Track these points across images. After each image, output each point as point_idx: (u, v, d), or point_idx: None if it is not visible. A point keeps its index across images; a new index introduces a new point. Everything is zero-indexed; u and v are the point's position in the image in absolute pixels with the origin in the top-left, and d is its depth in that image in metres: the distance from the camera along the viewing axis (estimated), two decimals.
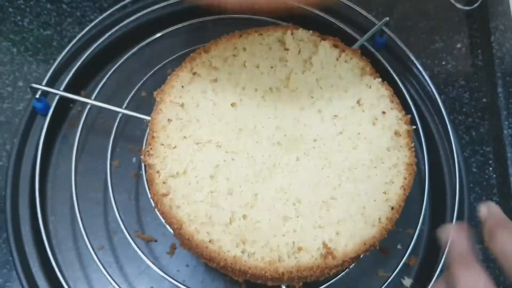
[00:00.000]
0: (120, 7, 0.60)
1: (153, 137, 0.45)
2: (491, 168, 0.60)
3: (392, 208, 0.45)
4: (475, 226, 0.57)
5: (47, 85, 0.55)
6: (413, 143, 0.47)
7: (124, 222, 0.50)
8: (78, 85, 0.59)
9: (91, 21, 0.60)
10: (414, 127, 0.49)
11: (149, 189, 0.44)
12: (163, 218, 0.44)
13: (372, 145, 0.47)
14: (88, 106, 0.53)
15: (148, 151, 0.44)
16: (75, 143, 0.52)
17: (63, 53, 0.57)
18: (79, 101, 0.55)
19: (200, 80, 0.48)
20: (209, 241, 0.42)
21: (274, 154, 0.45)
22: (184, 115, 0.46)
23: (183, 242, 0.44)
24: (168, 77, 0.48)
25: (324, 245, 0.43)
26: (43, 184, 0.55)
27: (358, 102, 0.48)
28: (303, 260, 0.42)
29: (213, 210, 0.43)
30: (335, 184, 0.45)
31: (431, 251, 0.53)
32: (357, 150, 0.46)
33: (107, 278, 0.47)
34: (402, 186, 0.45)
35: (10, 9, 0.65)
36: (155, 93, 0.47)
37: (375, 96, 0.48)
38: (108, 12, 0.59)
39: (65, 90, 0.55)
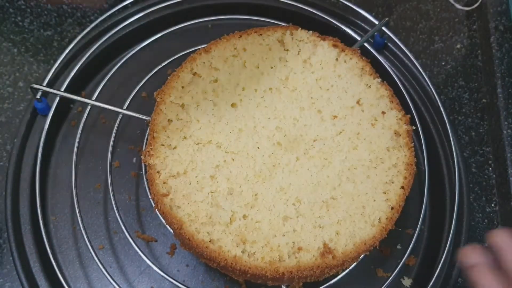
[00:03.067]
0: (120, 8, 0.60)
1: (153, 137, 0.45)
2: (490, 168, 0.60)
3: (392, 208, 0.45)
4: (475, 226, 0.57)
5: (47, 85, 0.55)
6: (413, 143, 0.48)
7: (124, 222, 0.50)
8: (79, 85, 0.59)
9: (92, 21, 0.60)
10: (414, 127, 0.49)
11: (149, 189, 0.44)
12: (164, 218, 0.44)
13: (372, 145, 0.47)
14: (89, 107, 0.53)
15: (148, 151, 0.44)
16: (75, 143, 0.52)
17: (64, 54, 0.57)
18: (79, 101, 0.55)
19: (201, 81, 0.48)
20: (210, 241, 0.42)
21: (274, 154, 0.46)
22: (185, 116, 0.46)
23: (183, 242, 0.44)
24: (169, 77, 0.48)
25: (324, 245, 0.43)
26: (44, 184, 0.55)
27: (357, 102, 0.48)
28: (303, 260, 0.42)
29: (213, 210, 0.43)
30: (335, 184, 0.45)
31: (431, 251, 0.53)
32: (357, 150, 0.46)
33: (107, 278, 0.47)
34: (402, 186, 0.45)
35: (11, 10, 0.65)
36: (155, 93, 0.47)
37: (374, 96, 0.49)
38: (109, 13, 0.59)
39: (65, 90, 0.55)
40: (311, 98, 0.48)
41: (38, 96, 0.54)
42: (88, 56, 0.57)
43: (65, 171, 0.56)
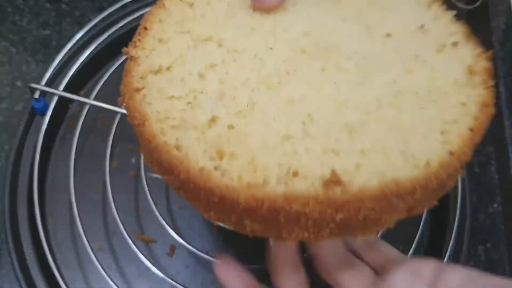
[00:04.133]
0: (119, 6, 0.60)
1: (145, 28, 0.37)
2: (493, 168, 0.59)
3: (452, 154, 0.32)
4: (477, 226, 0.57)
5: (46, 85, 0.55)
6: (492, 82, 0.35)
7: (124, 223, 0.49)
8: (77, 85, 0.59)
9: (91, 20, 0.60)
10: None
11: (122, 79, 0.36)
12: (128, 113, 0.35)
13: (434, 73, 0.36)
14: (87, 106, 0.53)
15: (135, 41, 0.36)
16: (74, 144, 0.52)
17: (62, 53, 0.57)
18: (78, 101, 0.55)
19: None
20: (175, 147, 0.32)
21: (292, 60, 0.36)
22: (190, 13, 0.38)
23: (143, 145, 0.35)
24: None
25: (332, 172, 0.30)
26: (42, 184, 0.55)
27: (421, 26, 0.38)
28: (296, 188, 0.30)
29: (190, 112, 0.33)
30: (371, 107, 0.34)
31: (433, 251, 0.53)
32: (411, 74, 0.35)
33: (106, 279, 0.47)
34: (471, 128, 0.33)
35: (9, 9, 0.64)
36: None
37: (444, 29, 0.38)
38: (108, 11, 0.59)
39: (64, 90, 0.55)
40: (361, 13, 0.38)
41: (36, 96, 0.54)
42: (87, 55, 0.57)
43: (63, 171, 0.55)
